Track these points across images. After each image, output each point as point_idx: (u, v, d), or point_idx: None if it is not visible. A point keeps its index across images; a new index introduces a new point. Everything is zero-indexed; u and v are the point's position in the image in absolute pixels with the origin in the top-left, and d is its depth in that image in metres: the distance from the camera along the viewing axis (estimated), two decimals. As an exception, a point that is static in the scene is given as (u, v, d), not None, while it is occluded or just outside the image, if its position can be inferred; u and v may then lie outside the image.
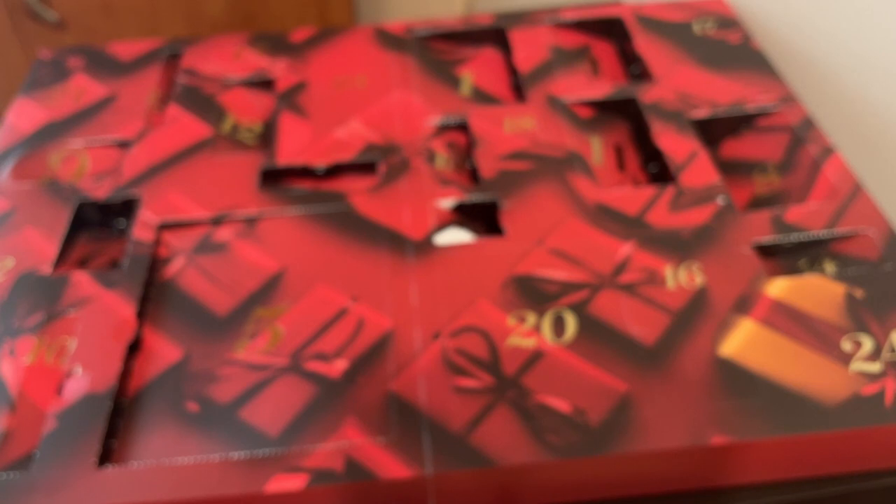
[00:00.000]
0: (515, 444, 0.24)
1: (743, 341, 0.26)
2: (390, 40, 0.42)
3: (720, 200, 0.31)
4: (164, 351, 0.27)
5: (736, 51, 0.39)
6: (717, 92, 0.37)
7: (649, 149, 0.36)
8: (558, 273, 0.29)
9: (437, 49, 0.43)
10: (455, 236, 0.32)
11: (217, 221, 0.32)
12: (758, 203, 0.34)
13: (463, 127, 0.37)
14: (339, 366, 0.26)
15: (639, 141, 0.37)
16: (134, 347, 0.27)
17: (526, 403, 0.25)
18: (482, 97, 0.40)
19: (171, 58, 0.43)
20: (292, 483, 0.23)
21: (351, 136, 0.36)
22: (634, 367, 0.26)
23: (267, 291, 0.29)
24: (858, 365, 0.25)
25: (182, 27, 0.63)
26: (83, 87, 0.40)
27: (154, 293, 0.29)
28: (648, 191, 0.32)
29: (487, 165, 0.34)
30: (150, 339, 0.28)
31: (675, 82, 0.38)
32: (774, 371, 0.25)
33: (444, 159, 0.35)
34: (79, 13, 0.62)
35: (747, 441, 0.24)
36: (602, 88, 0.38)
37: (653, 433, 0.24)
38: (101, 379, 0.26)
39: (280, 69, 0.41)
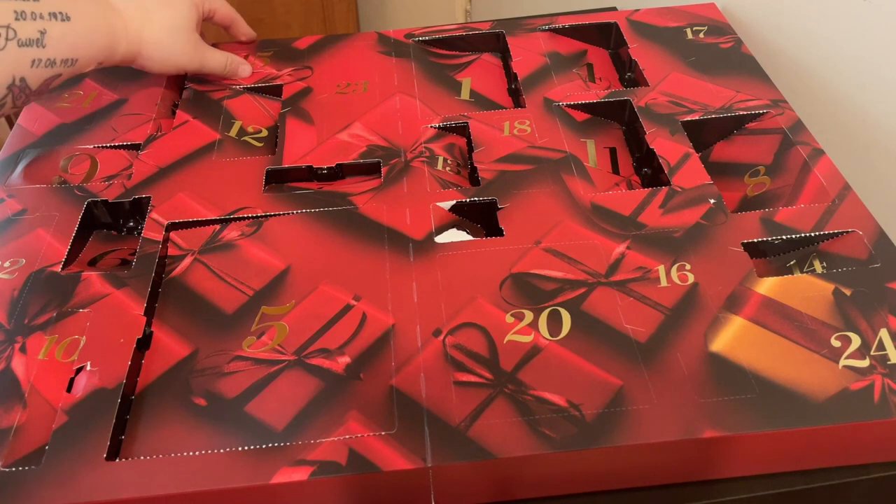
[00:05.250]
0: (513, 437, 0.24)
1: (734, 338, 0.27)
2: (392, 46, 0.43)
3: (712, 201, 0.32)
4: (172, 347, 0.28)
5: (727, 56, 0.40)
6: (709, 96, 0.38)
7: (643, 151, 0.36)
8: (555, 272, 0.30)
9: (438, 55, 0.44)
10: (455, 236, 0.32)
11: (224, 222, 0.33)
12: (748, 204, 0.35)
13: (463, 130, 0.38)
14: (342, 361, 0.27)
15: (632, 143, 0.38)
16: (143, 344, 0.28)
17: (523, 398, 0.25)
18: (481, 101, 0.40)
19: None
20: (297, 475, 0.24)
21: (354, 139, 0.37)
22: (628, 363, 0.26)
23: (273, 289, 0.30)
24: (847, 361, 0.26)
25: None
26: (93, 92, 0.41)
27: (162, 291, 0.30)
28: (642, 192, 0.33)
29: (486, 167, 0.35)
30: (159, 336, 0.28)
31: (668, 86, 0.39)
32: (765, 367, 0.26)
33: (444, 161, 0.36)
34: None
35: (738, 435, 0.24)
36: (597, 93, 0.39)
37: (646, 427, 0.24)
38: (110, 374, 0.27)
39: (286, 75, 0.41)
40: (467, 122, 0.37)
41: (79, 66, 0.32)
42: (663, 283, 0.29)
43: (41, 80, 0.30)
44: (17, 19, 0.28)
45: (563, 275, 0.29)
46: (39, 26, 0.29)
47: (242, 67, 0.41)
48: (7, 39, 0.27)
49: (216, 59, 0.40)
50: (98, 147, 0.38)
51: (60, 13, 0.30)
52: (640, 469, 0.25)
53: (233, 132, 0.38)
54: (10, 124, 0.82)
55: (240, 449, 0.25)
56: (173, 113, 0.41)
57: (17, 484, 0.24)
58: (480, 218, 0.34)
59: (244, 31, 0.43)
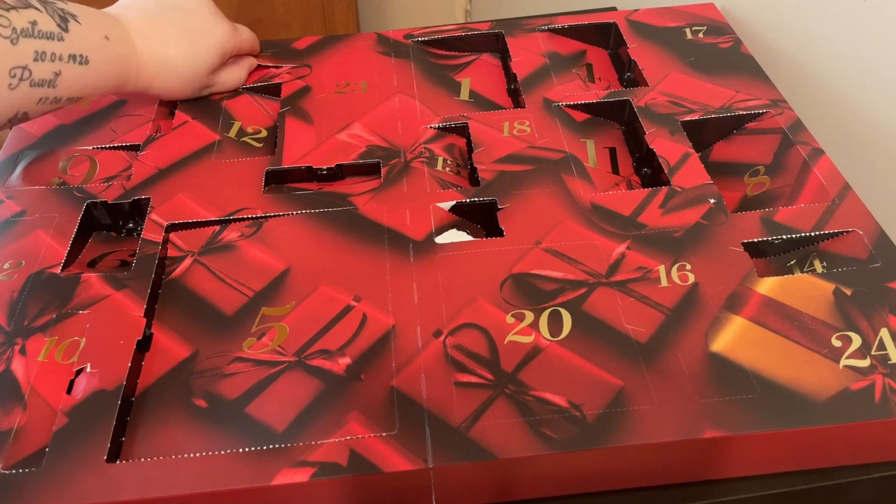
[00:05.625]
0: (514, 438, 0.24)
1: (734, 338, 0.27)
2: (392, 47, 0.43)
3: (712, 201, 0.32)
4: (172, 348, 0.28)
5: (727, 56, 0.40)
6: (709, 95, 0.38)
7: (642, 151, 0.36)
8: (555, 272, 0.30)
9: (437, 55, 0.44)
10: (455, 237, 0.32)
11: (224, 223, 0.33)
12: (748, 204, 0.35)
13: (462, 130, 0.38)
14: (342, 362, 0.27)
15: (632, 143, 0.38)
16: (143, 345, 0.28)
17: (524, 398, 0.25)
18: (481, 101, 0.40)
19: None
20: (298, 476, 0.24)
21: (353, 139, 0.37)
22: (629, 363, 0.26)
23: (273, 290, 0.30)
24: (847, 361, 0.26)
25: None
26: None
27: (162, 293, 0.30)
28: (642, 192, 0.33)
29: (486, 168, 0.35)
30: (159, 338, 0.28)
31: (668, 86, 0.39)
32: (766, 367, 0.26)
33: (444, 162, 0.36)
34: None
35: (740, 435, 0.24)
36: (596, 93, 0.39)
37: (647, 427, 0.24)
38: (110, 376, 0.27)
39: (284, 73, 0.41)
40: (467, 123, 0.37)
41: (81, 101, 0.32)
42: (664, 283, 0.29)
43: (41, 113, 0.30)
44: (35, 60, 0.28)
45: (564, 275, 0.29)
46: (56, 68, 0.28)
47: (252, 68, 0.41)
48: (21, 80, 0.27)
49: (229, 83, 0.40)
50: (97, 148, 0.38)
51: (80, 56, 0.29)
52: (642, 469, 0.25)
53: (232, 133, 0.38)
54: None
55: (240, 450, 0.25)
56: (172, 113, 0.41)
57: (18, 486, 0.24)
58: (480, 218, 0.34)
59: (256, 52, 0.43)
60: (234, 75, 0.40)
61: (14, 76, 0.27)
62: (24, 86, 0.27)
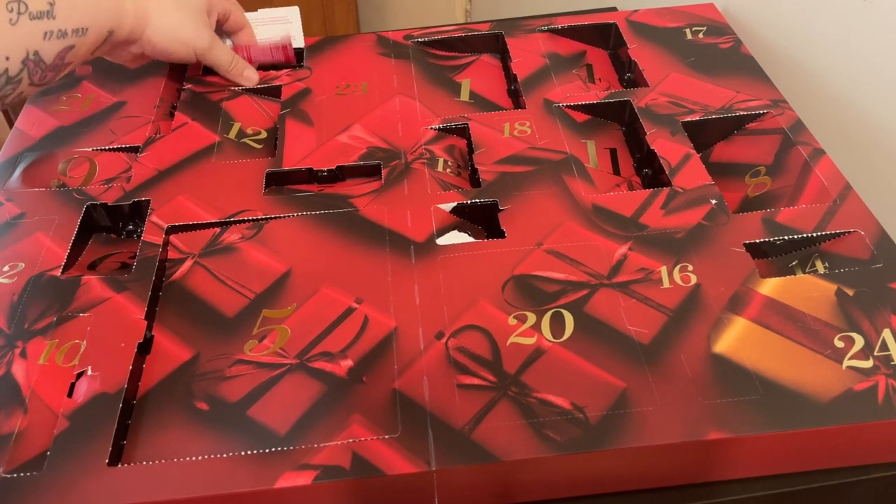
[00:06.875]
0: (517, 440, 0.24)
1: (737, 339, 0.27)
2: (392, 48, 0.43)
3: (713, 202, 0.32)
4: (173, 351, 0.28)
5: (727, 56, 0.40)
6: (709, 96, 0.38)
7: (643, 152, 0.36)
8: (557, 274, 0.30)
9: (437, 56, 0.44)
10: (456, 238, 0.32)
11: (224, 225, 0.33)
12: (750, 204, 0.35)
13: (463, 131, 0.38)
14: (344, 365, 0.27)
15: (633, 144, 0.38)
16: (143, 348, 0.28)
17: (527, 400, 0.25)
18: (481, 102, 0.40)
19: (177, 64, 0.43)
20: (301, 479, 0.24)
21: (354, 140, 0.37)
22: (632, 365, 0.26)
23: (274, 292, 0.30)
24: (850, 362, 0.26)
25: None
26: (91, 94, 0.41)
27: (163, 295, 0.30)
28: (643, 193, 0.33)
29: (487, 169, 0.35)
30: (160, 340, 0.28)
31: (668, 87, 0.39)
32: (769, 368, 0.26)
33: (444, 163, 0.36)
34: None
35: (743, 436, 0.24)
36: (597, 93, 0.39)
37: (650, 429, 0.24)
38: (111, 379, 0.26)
39: (284, 75, 0.41)
40: (467, 124, 0.37)
41: (90, 35, 0.32)
42: (666, 284, 0.29)
43: (55, 53, 0.30)
44: None
45: (566, 276, 0.29)
46: None
47: (248, 72, 0.41)
48: (19, 13, 0.28)
49: (224, 52, 0.40)
50: (97, 150, 0.37)
51: None
52: (645, 471, 0.25)
53: (232, 134, 0.38)
54: (10, 124, 0.82)
55: (242, 453, 0.24)
56: (172, 115, 0.40)
57: (19, 490, 0.24)
58: (482, 220, 0.34)
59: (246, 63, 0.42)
60: (231, 53, 0.40)
61: (11, 10, 0.28)
62: (25, 19, 0.28)
